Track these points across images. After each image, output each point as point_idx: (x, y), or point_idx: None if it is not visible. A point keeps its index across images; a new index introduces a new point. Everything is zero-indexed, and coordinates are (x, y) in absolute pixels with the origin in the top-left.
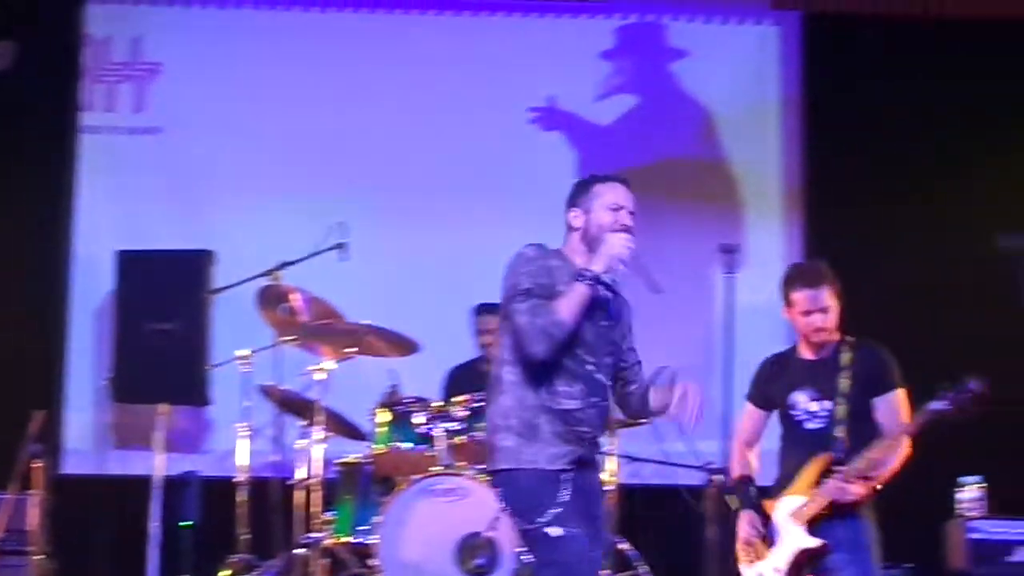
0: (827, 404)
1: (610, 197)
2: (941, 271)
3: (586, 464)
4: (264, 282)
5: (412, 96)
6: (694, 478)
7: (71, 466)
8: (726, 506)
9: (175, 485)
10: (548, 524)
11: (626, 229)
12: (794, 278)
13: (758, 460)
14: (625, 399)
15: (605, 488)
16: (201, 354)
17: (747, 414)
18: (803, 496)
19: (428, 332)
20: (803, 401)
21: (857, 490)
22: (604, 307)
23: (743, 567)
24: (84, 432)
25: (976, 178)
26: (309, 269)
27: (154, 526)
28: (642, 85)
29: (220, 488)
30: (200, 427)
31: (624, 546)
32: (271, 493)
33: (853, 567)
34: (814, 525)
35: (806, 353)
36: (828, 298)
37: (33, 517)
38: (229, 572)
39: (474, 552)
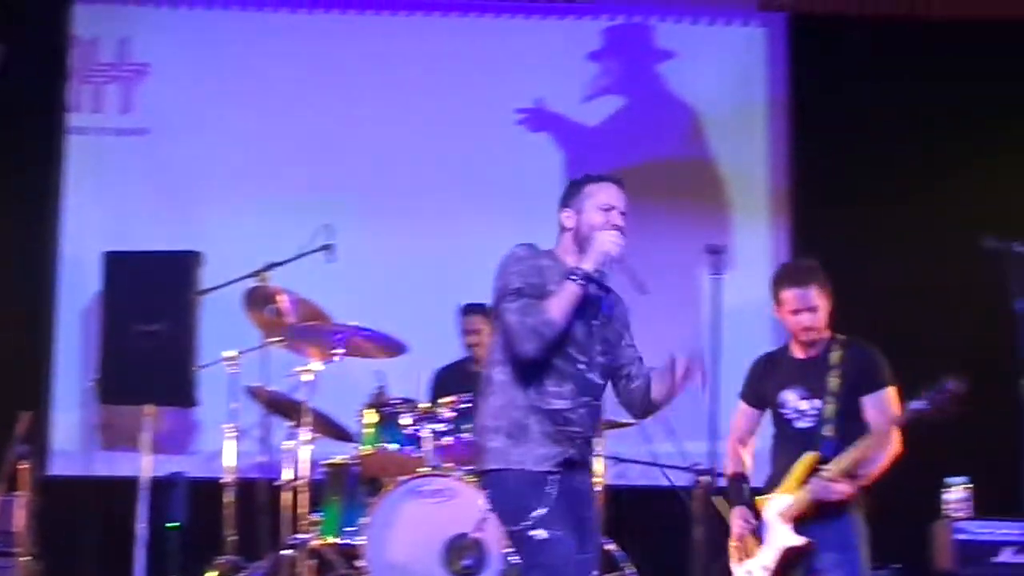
0: (816, 403)
1: (602, 197)
2: (928, 272)
3: (576, 465)
4: (251, 283)
5: (399, 98)
6: (681, 479)
7: (58, 467)
8: (713, 507)
9: (162, 486)
10: (533, 527)
11: (617, 229)
12: (783, 277)
13: (752, 458)
14: (630, 397)
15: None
16: (188, 355)
17: (740, 412)
18: (791, 495)
19: (415, 333)
20: (793, 400)
21: (841, 489)
22: (596, 306)
23: (733, 564)
24: (71, 433)
25: (963, 179)
26: (296, 270)
27: (141, 527)
28: (629, 86)
29: (207, 489)
30: (187, 428)
31: (611, 547)
32: (258, 494)
33: (842, 568)
34: (802, 524)
35: (797, 352)
36: (817, 297)
37: (20, 518)
38: (216, 573)
39: (461, 553)
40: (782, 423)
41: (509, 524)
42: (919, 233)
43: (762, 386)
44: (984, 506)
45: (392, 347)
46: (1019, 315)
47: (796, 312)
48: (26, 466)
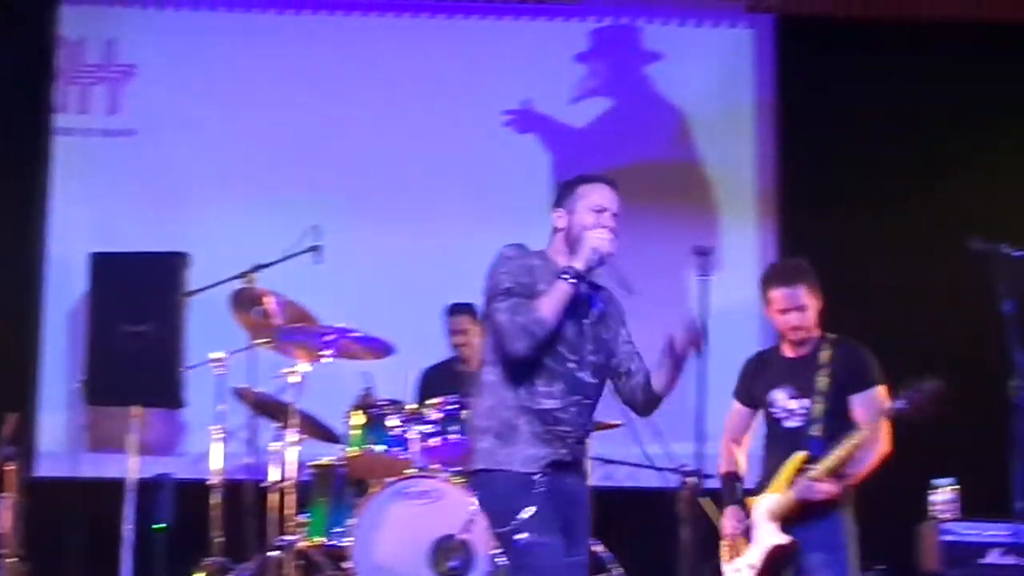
0: (805, 402)
1: (594, 198)
2: (915, 273)
3: (567, 466)
4: (238, 285)
5: (386, 99)
6: (668, 480)
7: (44, 468)
8: (700, 508)
9: (149, 488)
10: (518, 530)
11: (608, 231)
12: (771, 276)
13: (746, 458)
14: (631, 392)
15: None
16: (175, 356)
17: (734, 411)
18: (778, 494)
19: (402, 335)
20: (782, 399)
21: (826, 489)
22: (587, 304)
23: (724, 564)
24: (57, 434)
25: (950, 180)
26: (283, 272)
27: (128, 529)
28: (617, 88)
29: (194, 491)
30: (174, 430)
31: (598, 548)
32: (245, 495)
33: (830, 568)
34: (790, 523)
35: (787, 351)
36: (805, 296)
37: (6, 520)
38: (203, 575)
39: (448, 554)
40: (772, 422)
41: (496, 526)
42: (906, 234)
43: (754, 385)
44: (972, 507)
45: (379, 348)
46: (1007, 317)
47: (784, 311)
48: (12, 467)
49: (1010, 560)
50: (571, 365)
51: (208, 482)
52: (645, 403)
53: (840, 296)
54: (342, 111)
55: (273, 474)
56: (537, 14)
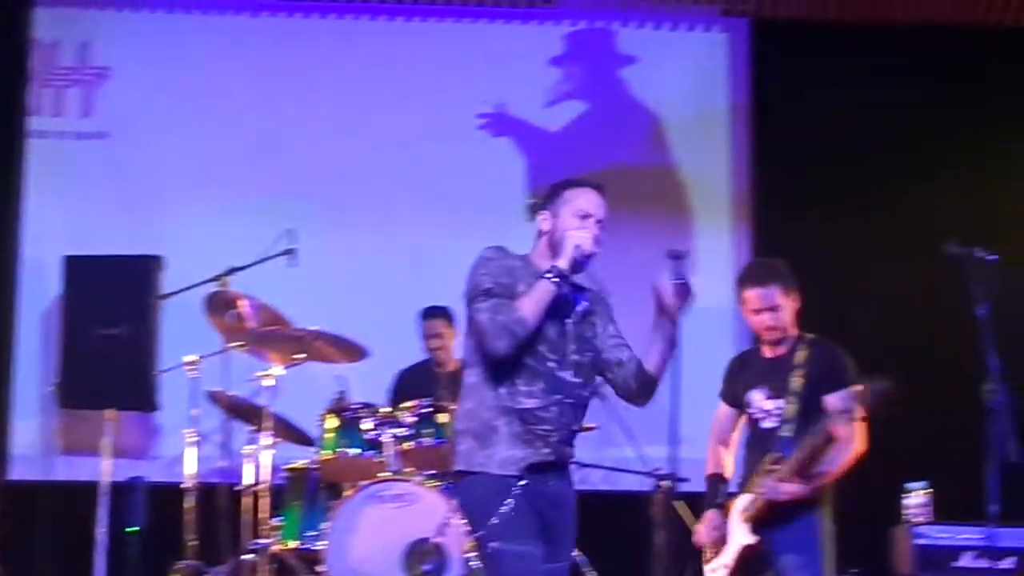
0: (780, 402)
1: (579, 203)
2: (890, 276)
3: (550, 467)
4: (212, 288)
5: (361, 102)
6: (642, 484)
7: (17, 472)
8: (674, 511)
9: (122, 491)
10: (490, 536)
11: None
12: (745, 277)
13: (734, 458)
14: (625, 382)
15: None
16: (149, 359)
17: (720, 413)
18: (751, 495)
19: (377, 338)
20: (759, 399)
21: (790, 489)
22: (570, 304)
23: (705, 565)
24: (31, 437)
25: (925, 183)
26: (257, 275)
27: (101, 532)
28: (591, 91)
29: (168, 494)
30: (148, 433)
31: (573, 553)
32: (219, 499)
33: (805, 570)
34: (763, 523)
35: (766, 351)
36: (779, 297)
37: None
38: None
39: (422, 558)
40: (751, 423)
41: (474, 530)
42: (881, 237)
43: (736, 386)
44: (945, 511)
45: (353, 351)
46: (981, 320)
47: (758, 312)
48: None
49: (983, 564)
50: (551, 364)
51: (182, 485)
52: (640, 389)
53: (814, 299)
54: (316, 114)
55: (247, 477)
56: (511, 17)
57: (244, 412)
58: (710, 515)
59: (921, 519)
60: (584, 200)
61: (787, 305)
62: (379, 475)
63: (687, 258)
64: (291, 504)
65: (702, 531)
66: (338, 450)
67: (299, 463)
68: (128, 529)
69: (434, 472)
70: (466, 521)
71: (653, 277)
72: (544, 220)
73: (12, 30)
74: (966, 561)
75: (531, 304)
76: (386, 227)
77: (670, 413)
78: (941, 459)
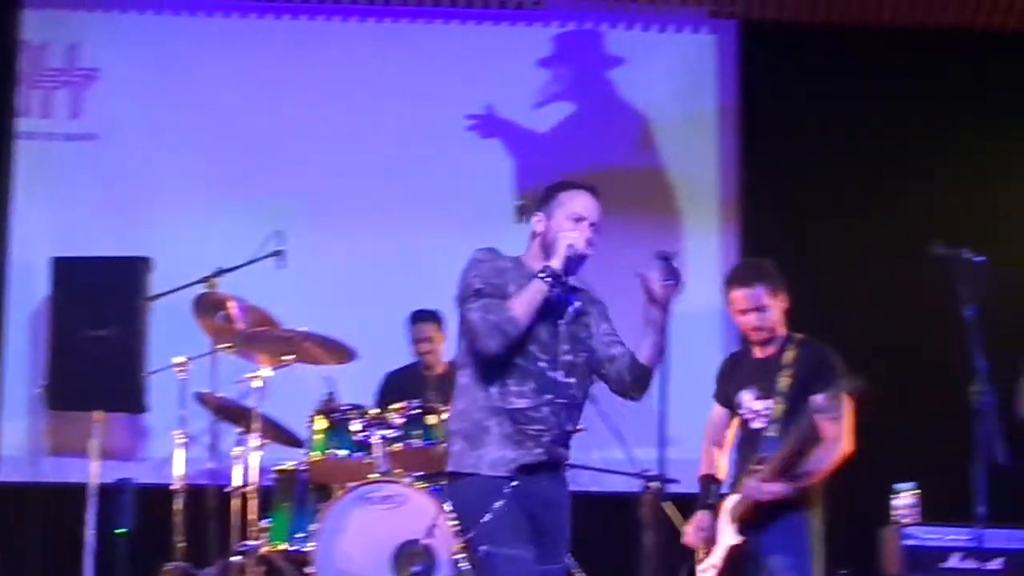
0: (770, 402)
1: (574, 206)
2: (877, 277)
3: (543, 468)
4: (200, 289)
5: (350, 103)
6: (631, 485)
7: (5, 473)
8: (663, 513)
9: (110, 492)
10: (481, 538)
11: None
12: (732, 277)
13: (728, 459)
14: (619, 375)
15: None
16: (137, 361)
17: (713, 414)
18: (737, 495)
19: (365, 339)
20: (748, 400)
21: (772, 489)
22: (563, 305)
23: (697, 565)
24: (19, 439)
25: (913, 184)
26: (246, 276)
27: (89, 534)
28: (580, 93)
29: (156, 495)
30: (136, 434)
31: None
32: (207, 500)
33: (794, 572)
34: (750, 524)
35: (756, 352)
36: (765, 297)
37: None
38: None
39: (411, 559)
40: (742, 424)
41: (464, 531)
42: (869, 239)
43: (728, 386)
44: (933, 512)
45: (342, 353)
46: (968, 322)
47: (744, 312)
48: None
49: (971, 564)
50: (543, 364)
51: (170, 487)
52: (635, 381)
53: (802, 300)
54: (305, 115)
55: (235, 479)
56: (500, 19)
57: (233, 413)
58: (699, 516)
59: (909, 520)
60: (578, 203)
61: (774, 305)
62: (368, 477)
63: (675, 259)
64: (280, 506)
65: (690, 532)
66: (327, 451)
67: (288, 464)
68: (116, 531)
69: (423, 473)
70: (457, 523)
71: (641, 275)
72: (538, 222)
73: (0, 32)
74: (954, 562)
75: (523, 304)
76: (374, 229)
77: (659, 414)
78: (929, 460)
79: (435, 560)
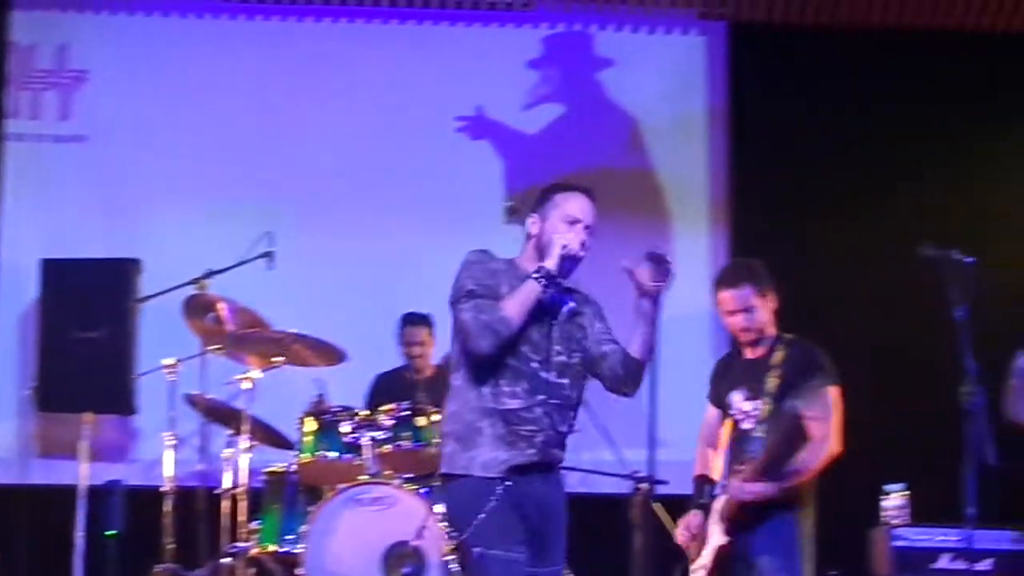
0: (759, 403)
1: (568, 208)
2: (867, 278)
3: (536, 468)
4: (190, 291)
5: (340, 105)
6: (621, 486)
7: None
8: (653, 514)
9: (100, 494)
10: (473, 540)
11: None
12: (719, 279)
13: (722, 460)
14: (612, 371)
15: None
16: (127, 363)
17: (708, 414)
18: (725, 496)
19: (355, 341)
20: (738, 400)
21: (755, 489)
22: (556, 306)
23: (691, 565)
24: (8, 441)
25: (902, 186)
26: (236, 278)
27: (79, 536)
28: (569, 94)
29: (146, 497)
30: (126, 436)
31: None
32: (197, 502)
33: (783, 573)
34: (738, 525)
35: (747, 352)
36: (753, 297)
37: None
38: None
39: (401, 561)
40: (733, 424)
41: (456, 533)
42: (858, 240)
43: (720, 387)
44: (923, 512)
45: (332, 354)
46: (958, 323)
47: (732, 313)
48: None
49: (960, 565)
50: (535, 365)
51: (160, 489)
52: (628, 375)
53: (792, 302)
54: (295, 117)
55: (225, 481)
56: (489, 20)
57: (222, 415)
58: (690, 516)
59: (899, 521)
60: (573, 205)
61: (762, 306)
62: (358, 478)
63: (666, 260)
64: (270, 507)
65: (680, 532)
66: (317, 453)
67: (278, 466)
68: (106, 533)
69: (413, 475)
70: (450, 524)
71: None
72: (532, 223)
73: None
74: (944, 563)
75: (515, 304)
76: (364, 230)
77: (648, 415)
78: (919, 461)
79: (425, 561)
